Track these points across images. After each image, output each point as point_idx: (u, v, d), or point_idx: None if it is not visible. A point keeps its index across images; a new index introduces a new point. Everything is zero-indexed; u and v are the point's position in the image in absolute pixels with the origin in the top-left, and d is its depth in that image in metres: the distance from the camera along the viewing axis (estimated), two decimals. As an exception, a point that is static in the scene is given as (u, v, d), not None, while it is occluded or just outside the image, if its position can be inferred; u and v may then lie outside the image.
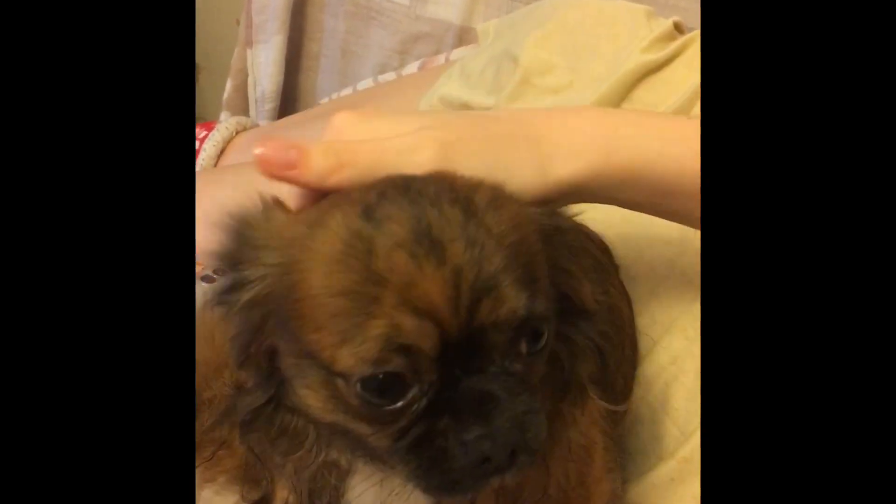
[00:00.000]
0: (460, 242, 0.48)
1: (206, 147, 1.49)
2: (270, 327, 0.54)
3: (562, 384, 0.60)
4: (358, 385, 0.50)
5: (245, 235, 0.55)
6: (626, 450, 0.86)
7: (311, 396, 0.53)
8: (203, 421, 0.88)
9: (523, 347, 0.51)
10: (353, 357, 0.48)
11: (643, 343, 0.86)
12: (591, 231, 0.86)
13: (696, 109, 1.01)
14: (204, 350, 0.90)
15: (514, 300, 0.48)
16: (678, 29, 1.10)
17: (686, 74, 1.04)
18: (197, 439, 0.87)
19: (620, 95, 1.06)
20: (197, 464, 0.87)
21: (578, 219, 0.81)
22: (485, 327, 0.49)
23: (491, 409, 0.49)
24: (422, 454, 0.50)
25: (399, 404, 0.50)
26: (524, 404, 0.50)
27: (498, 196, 0.53)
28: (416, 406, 0.50)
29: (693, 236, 0.93)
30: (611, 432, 0.75)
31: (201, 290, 1.05)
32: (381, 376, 0.49)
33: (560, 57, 1.08)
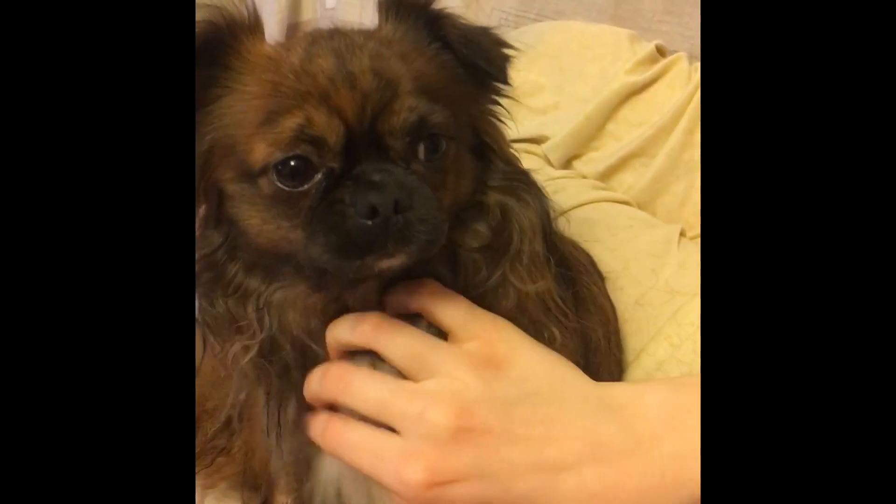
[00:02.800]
0: (368, 74, 0.59)
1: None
2: (216, 158, 0.62)
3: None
4: (273, 173, 0.59)
5: (217, 57, 0.62)
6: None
7: (250, 216, 0.62)
8: (205, 430, 0.91)
9: (422, 153, 0.61)
10: (271, 145, 0.58)
11: (630, 349, 0.90)
12: (578, 244, 0.90)
13: (679, 126, 1.05)
14: (205, 363, 0.93)
15: (406, 114, 0.59)
16: (660, 52, 1.15)
17: (669, 94, 1.08)
18: (198, 448, 0.91)
19: (606, 115, 1.10)
20: (198, 471, 0.90)
21: (567, 234, 0.85)
22: (384, 132, 0.59)
23: (381, 178, 0.58)
24: (325, 222, 0.58)
25: (305, 186, 0.59)
26: (414, 182, 0.59)
27: (411, 47, 0.64)
28: (319, 187, 0.59)
29: (674, 249, 0.98)
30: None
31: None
32: (291, 162, 0.58)
33: (547, 78, 1.12)
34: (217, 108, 0.62)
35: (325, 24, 1.55)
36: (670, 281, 0.92)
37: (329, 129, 0.58)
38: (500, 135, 0.71)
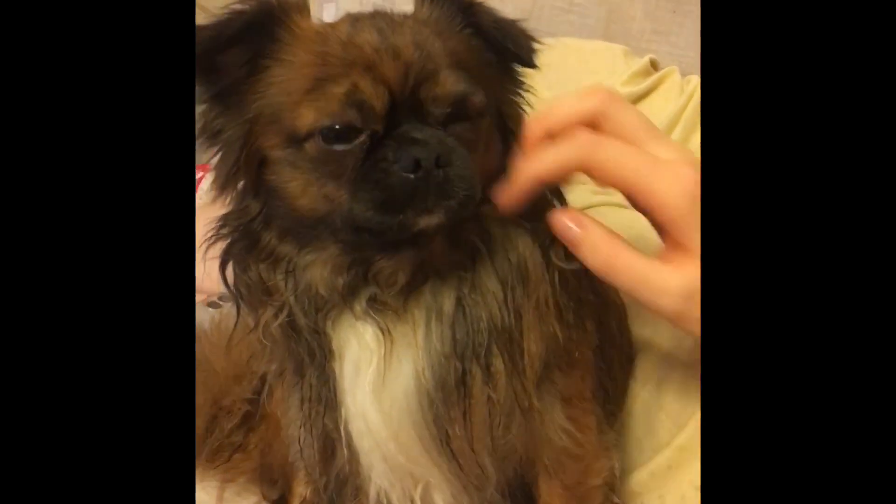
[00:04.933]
0: (411, 46, 0.62)
1: (203, 186, 1.55)
2: (261, 126, 0.64)
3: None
4: (319, 137, 0.61)
5: (268, 29, 0.64)
6: (623, 446, 0.91)
7: (292, 179, 0.63)
8: (222, 427, 0.92)
9: (457, 122, 0.63)
10: (317, 110, 0.60)
11: (637, 341, 0.93)
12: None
13: (674, 134, 1.10)
14: (220, 361, 0.95)
15: (450, 87, 0.62)
16: (653, 66, 1.20)
17: (663, 105, 1.13)
18: (216, 444, 0.92)
19: (604, 124, 1.14)
20: (216, 466, 0.91)
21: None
22: (426, 100, 0.62)
23: (422, 136, 0.61)
24: (369, 179, 0.60)
25: (350, 146, 0.61)
26: (453, 143, 0.61)
27: (446, 28, 0.67)
28: (363, 147, 0.61)
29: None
30: (600, 413, 0.81)
31: (209, 315, 1.11)
32: (337, 125, 0.60)
33: (548, 91, 1.16)
34: (265, 77, 0.64)
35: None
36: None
37: (374, 95, 0.60)
38: (522, 119, 0.74)
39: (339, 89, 0.60)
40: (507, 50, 0.68)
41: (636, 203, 0.65)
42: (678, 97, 1.14)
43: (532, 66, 0.70)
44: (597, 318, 0.80)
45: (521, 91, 0.73)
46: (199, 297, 1.28)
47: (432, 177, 0.59)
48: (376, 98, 0.60)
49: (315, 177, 0.62)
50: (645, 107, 1.14)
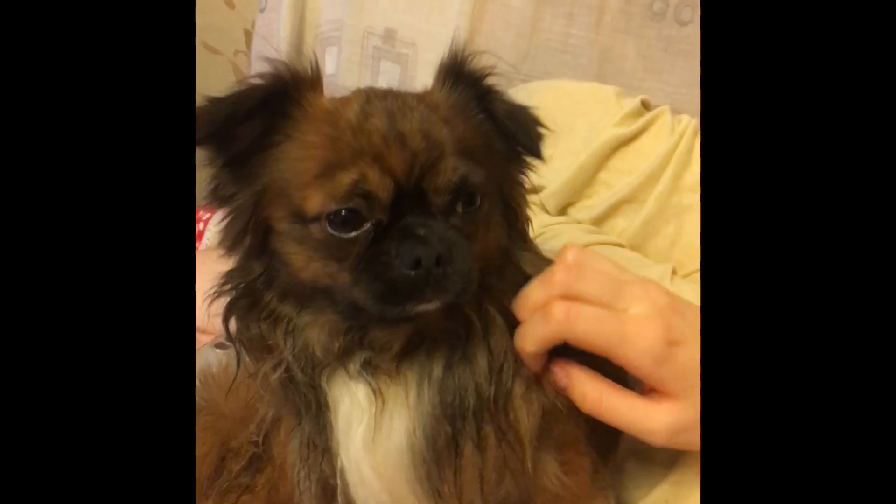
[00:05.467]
0: (418, 135, 0.65)
1: (211, 228, 1.59)
2: (269, 198, 0.67)
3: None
4: (325, 221, 0.64)
5: (281, 106, 0.67)
6: (620, 483, 0.93)
7: (296, 253, 0.67)
8: (230, 468, 0.95)
9: (459, 208, 0.67)
10: (326, 195, 0.63)
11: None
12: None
13: (667, 172, 1.13)
14: (230, 403, 0.98)
15: (450, 174, 0.65)
16: (645, 106, 1.23)
17: (655, 144, 1.16)
18: (224, 485, 0.94)
19: (597, 165, 1.18)
20: (224, 508, 0.94)
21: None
22: (428, 189, 0.65)
23: (424, 233, 0.64)
24: (371, 271, 0.64)
25: (354, 234, 0.64)
26: (454, 237, 0.65)
27: (458, 113, 0.70)
28: (367, 236, 0.64)
29: (668, 285, 1.04)
30: (594, 454, 0.84)
31: (216, 356, 1.14)
32: (343, 212, 0.64)
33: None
34: (276, 153, 0.67)
35: (326, 90, 1.63)
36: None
37: (381, 185, 0.63)
38: (524, 201, 0.78)
39: (348, 178, 0.63)
40: (517, 140, 0.72)
41: (614, 360, 0.70)
42: (669, 136, 1.17)
43: (539, 157, 0.74)
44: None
45: (525, 172, 0.77)
46: (206, 339, 1.31)
47: (432, 274, 0.62)
48: (382, 189, 0.63)
49: (319, 255, 0.66)
50: (637, 147, 1.17)
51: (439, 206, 0.66)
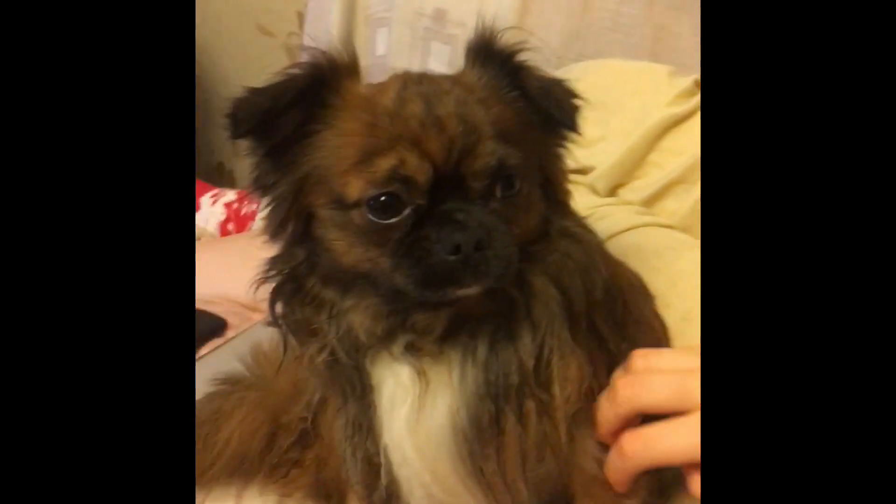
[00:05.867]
0: (454, 119, 0.65)
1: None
2: (310, 186, 0.68)
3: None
4: (365, 207, 0.65)
5: (320, 95, 0.68)
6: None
7: (337, 239, 0.68)
8: (280, 443, 0.97)
9: (498, 192, 0.67)
10: (365, 181, 0.64)
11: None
12: (627, 266, 0.95)
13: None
14: (281, 379, 1.00)
15: (488, 158, 0.65)
16: (698, 86, 1.21)
17: (706, 125, 1.14)
18: (275, 460, 0.97)
19: (649, 145, 1.16)
20: (274, 481, 0.96)
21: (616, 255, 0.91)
22: (466, 174, 0.65)
23: (464, 218, 0.64)
24: (411, 256, 0.64)
25: (394, 220, 0.65)
26: (493, 221, 0.65)
27: (492, 93, 0.70)
28: (407, 222, 0.65)
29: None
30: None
31: (268, 333, 1.16)
32: (382, 198, 0.64)
33: (592, 113, 1.18)
34: (316, 141, 0.68)
35: (376, 71, 1.64)
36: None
37: (419, 170, 0.64)
38: (563, 175, 0.77)
39: (386, 163, 0.64)
40: (551, 114, 0.71)
41: None
42: (722, 117, 1.15)
43: (575, 130, 0.73)
44: (632, 336, 0.82)
45: (563, 146, 0.76)
46: (257, 316, 1.34)
47: (472, 259, 0.63)
48: (421, 173, 0.64)
49: (360, 241, 0.67)
50: (688, 127, 1.15)
51: (478, 191, 0.66)
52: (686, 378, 0.67)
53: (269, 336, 1.11)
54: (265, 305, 0.74)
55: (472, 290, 0.65)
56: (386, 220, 0.65)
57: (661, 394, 0.68)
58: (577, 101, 0.74)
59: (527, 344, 0.71)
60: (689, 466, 0.66)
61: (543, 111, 0.71)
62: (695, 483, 0.65)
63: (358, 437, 0.75)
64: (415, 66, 1.63)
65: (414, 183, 0.64)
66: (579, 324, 0.73)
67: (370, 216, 0.65)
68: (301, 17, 2.31)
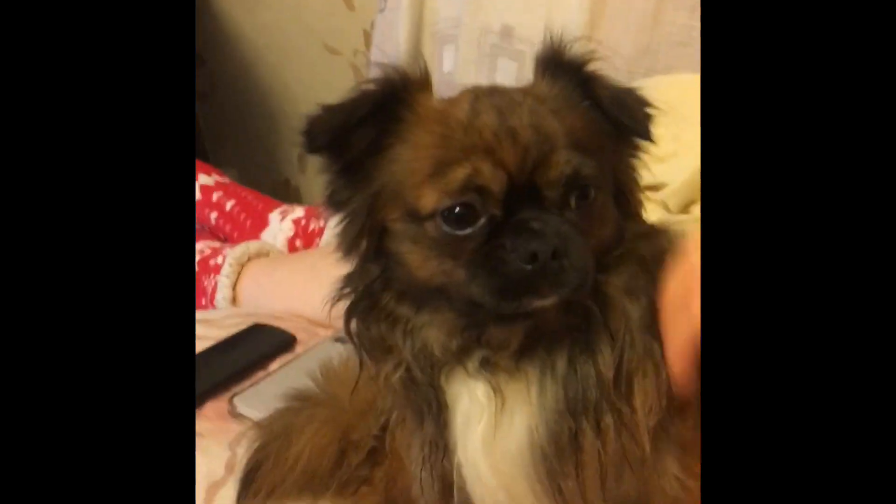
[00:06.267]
0: (528, 129, 0.65)
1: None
2: (383, 200, 0.68)
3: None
4: (440, 218, 0.65)
5: (393, 110, 0.68)
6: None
7: (411, 252, 0.68)
8: (350, 460, 0.97)
9: (573, 202, 0.66)
10: (439, 192, 0.64)
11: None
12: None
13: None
14: (351, 397, 1.00)
15: (563, 167, 0.65)
16: (773, 99, 1.18)
17: (783, 139, 1.11)
18: (345, 477, 0.97)
19: (722, 161, 1.14)
20: (344, 498, 0.96)
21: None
22: (541, 184, 0.65)
23: (539, 227, 0.63)
24: (487, 266, 0.64)
25: (469, 230, 0.65)
26: (569, 231, 0.64)
27: (564, 104, 0.70)
28: (482, 232, 0.64)
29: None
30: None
31: (337, 350, 1.16)
32: (457, 208, 0.64)
33: (664, 129, 1.16)
34: (389, 155, 0.68)
35: (443, 88, 1.64)
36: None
37: (494, 179, 0.64)
38: (637, 185, 0.76)
39: (461, 172, 0.64)
40: (624, 124, 0.71)
41: None
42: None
43: (648, 139, 0.73)
44: None
45: (637, 156, 0.76)
46: (327, 332, 1.35)
47: (548, 268, 0.62)
48: (496, 182, 0.64)
49: (434, 253, 0.66)
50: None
51: (553, 200, 0.65)
52: None
53: (338, 352, 1.12)
54: (334, 321, 0.74)
55: (549, 301, 0.65)
56: (461, 230, 0.65)
57: None
58: (650, 110, 0.74)
59: (606, 357, 0.69)
60: None
61: (616, 120, 0.71)
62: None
63: (434, 457, 0.74)
64: (482, 83, 1.63)
65: (488, 192, 0.64)
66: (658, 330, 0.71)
67: (445, 227, 0.65)
68: (367, 35, 2.34)
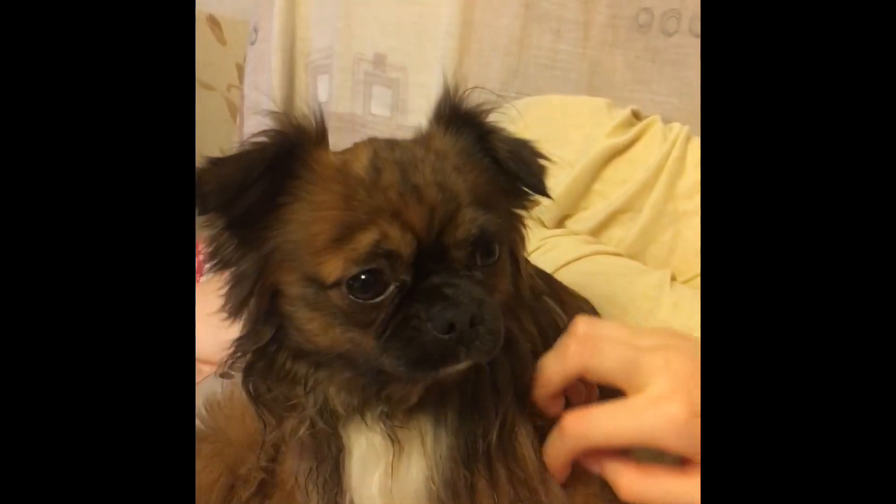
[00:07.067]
0: (433, 188, 0.62)
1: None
2: (277, 262, 0.64)
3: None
4: (345, 287, 0.61)
5: (286, 166, 0.64)
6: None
7: (312, 319, 0.64)
8: (240, 494, 0.95)
9: (479, 260, 0.64)
10: (345, 259, 0.60)
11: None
12: (577, 294, 0.96)
13: (661, 180, 1.14)
14: (237, 430, 0.98)
15: (469, 225, 0.62)
16: (636, 116, 1.24)
17: (648, 153, 1.17)
18: (235, 513, 0.94)
19: (591, 176, 1.19)
20: (237, 537, 0.93)
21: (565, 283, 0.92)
22: (448, 244, 0.62)
23: (453, 293, 0.61)
24: (401, 336, 0.61)
25: (379, 299, 0.61)
26: (481, 294, 0.62)
27: (465, 160, 0.68)
28: (393, 300, 0.62)
29: (668, 291, 1.04)
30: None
31: (220, 385, 1.14)
32: (363, 276, 0.61)
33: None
34: (283, 213, 0.63)
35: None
36: (667, 319, 0.99)
37: (403, 243, 0.60)
38: (523, 244, 0.75)
39: (368, 237, 0.60)
40: (522, 180, 0.70)
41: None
42: (662, 144, 1.18)
43: (546, 194, 0.72)
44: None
45: (528, 207, 0.75)
46: (210, 369, 1.31)
47: (465, 336, 0.60)
48: (405, 246, 0.61)
49: (338, 322, 0.63)
50: (630, 156, 1.19)
51: (461, 261, 0.63)
52: (636, 354, 0.65)
53: (222, 387, 1.10)
54: (217, 358, 0.72)
55: (463, 366, 0.63)
56: (370, 299, 0.61)
57: (611, 361, 0.65)
58: (543, 162, 0.72)
59: (490, 414, 0.70)
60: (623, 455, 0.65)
61: (514, 175, 0.69)
62: (626, 475, 0.64)
63: (328, 496, 0.73)
64: (357, 111, 1.64)
65: (397, 257, 0.61)
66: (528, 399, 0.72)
67: (351, 296, 0.61)
68: (240, 69, 2.31)
